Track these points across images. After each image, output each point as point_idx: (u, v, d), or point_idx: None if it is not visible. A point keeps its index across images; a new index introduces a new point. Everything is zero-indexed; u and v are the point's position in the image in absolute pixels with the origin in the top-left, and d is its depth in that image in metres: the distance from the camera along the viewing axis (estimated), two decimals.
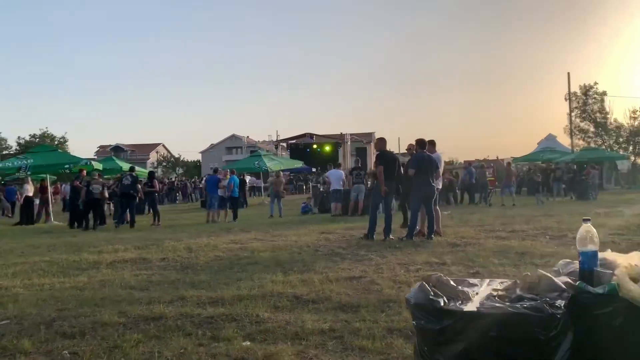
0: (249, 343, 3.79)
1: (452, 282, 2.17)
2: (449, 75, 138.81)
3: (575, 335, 2.01)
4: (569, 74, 39.24)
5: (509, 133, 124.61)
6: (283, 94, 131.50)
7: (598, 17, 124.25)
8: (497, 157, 45.27)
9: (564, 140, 41.65)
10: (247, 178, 28.71)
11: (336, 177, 15.76)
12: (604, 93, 39.44)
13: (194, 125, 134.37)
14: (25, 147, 62.51)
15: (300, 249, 8.08)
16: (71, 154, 26.39)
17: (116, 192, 15.55)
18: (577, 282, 2.16)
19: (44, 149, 18.89)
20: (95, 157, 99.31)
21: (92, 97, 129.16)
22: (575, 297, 2.07)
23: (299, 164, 34.47)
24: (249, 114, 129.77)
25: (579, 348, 2.02)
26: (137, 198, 14.83)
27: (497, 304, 1.94)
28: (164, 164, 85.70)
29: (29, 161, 16.82)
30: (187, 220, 16.76)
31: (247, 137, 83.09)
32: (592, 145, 38.96)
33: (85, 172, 15.26)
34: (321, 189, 19.68)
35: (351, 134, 60.98)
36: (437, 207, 9.58)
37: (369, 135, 62.03)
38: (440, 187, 9.52)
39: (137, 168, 17.21)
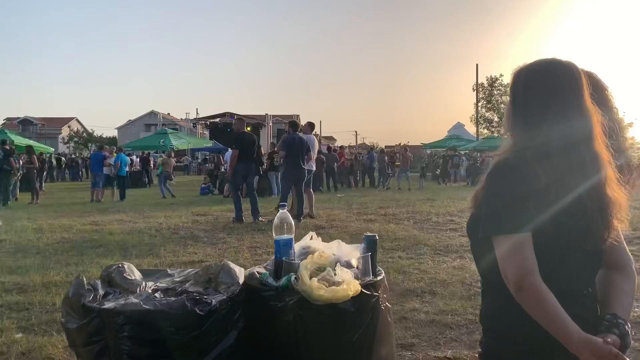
0: (21, 335, 3.50)
1: (135, 274, 1.98)
2: (371, 64, 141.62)
3: (245, 331, 1.87)
4: (477, 65, 40.90)
5: (425, 121, 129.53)
6: (207, 71, 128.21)
7: (504, 12, 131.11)
8: (406, 143, 46.48)
9: (472, 129, 43.49)
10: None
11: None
12: (508, 85, 41.15)
13: (112, 101, 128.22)
14: None
15: (159, 232, 7.76)
16: None
17: None
18: (262, 273, 2.04)
19: None
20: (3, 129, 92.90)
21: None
22: (251, 290, 1.93)
23: (208, 143, 33.57)
24: (170, 91, 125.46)
25: (249, 344, 1.89)
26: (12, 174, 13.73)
27: (135, 300, 1.76)
28: (76, 139, 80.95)
29: None
30: (74, 199, 15.79)
31: (168, 113, 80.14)
32: (496, 134, 40.89)
33: None
34: (223, 170, 19.26)
35: (273, 115, 60.41)
36: (310, 190, 9.54)
37: (292, 117, 61.58)
38: (313, 169, 9.43)
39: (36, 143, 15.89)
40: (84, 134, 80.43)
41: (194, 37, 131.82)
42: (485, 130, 42.07)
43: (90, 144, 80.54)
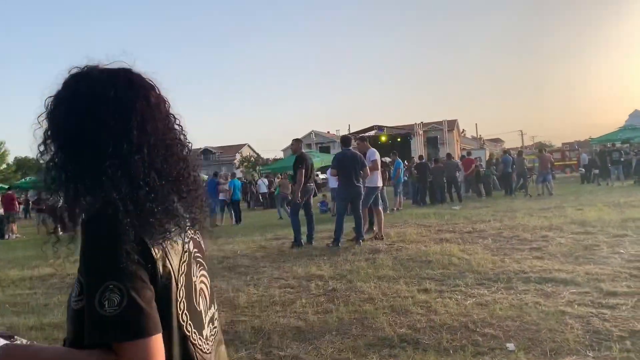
0: None
1: None
2: (535, 56, 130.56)
3: None
4: None
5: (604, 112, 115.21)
6: (359, 86, 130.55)
7: None
8: (575, 141, 41.25)
9: None
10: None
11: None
12: None
13: (279, 124, 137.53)
14: None
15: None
16: None
17: None
18: None
19: None
20: None
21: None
22: None
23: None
24: (329, 110, 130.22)
25: None
26: None
27: None
28: (245, 163, 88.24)
29: None
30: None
31: (328, 132, 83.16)
32: None
33: None
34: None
35: (425, 123, 58.87)
36: (379, 208, 8.74)
37: (440, 123, 59.38)
38: (378, 185, 8.59)
39: None
40: (252, 158, 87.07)
41: (347, 55, 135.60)
42: None
43: (258, 167, 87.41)
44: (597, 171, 22.03)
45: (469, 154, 19.74)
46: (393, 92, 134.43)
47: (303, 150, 8.88)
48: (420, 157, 17.17)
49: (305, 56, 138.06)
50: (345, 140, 8.30)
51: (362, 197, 8.15)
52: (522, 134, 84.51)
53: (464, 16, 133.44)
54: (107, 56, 1.04)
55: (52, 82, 1.01)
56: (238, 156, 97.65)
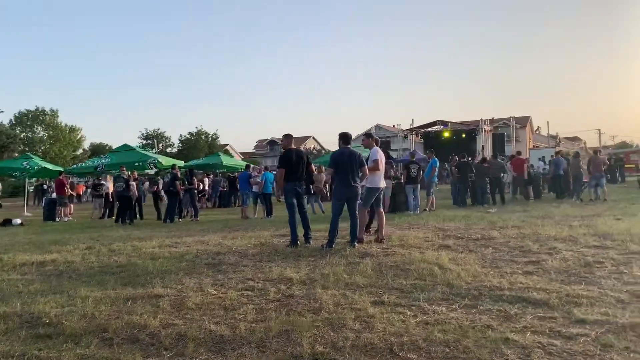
0: None
1: None
2: (595, 51, 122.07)
3: None
4: None
5: None
6: (426, 79, 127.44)
7: None
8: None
9: None
10: None
11: None
12: None
13: (344, 117, 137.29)
14: (186, 144, 70.12)
15: (197, 257, 7.59)
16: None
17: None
18: None
19: (122, 149, 20.67)
20: (254, 150, 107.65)
21: (256, 96, 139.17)
22: None
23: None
24: (394, 103, 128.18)
25: None
26: (177, 195, 15.47)
27: None
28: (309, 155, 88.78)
29: (106, 160, 18.67)
30: (230, 215, 16.97)
31: (393, 126, 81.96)
32: None
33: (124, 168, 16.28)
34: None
35: (493, 120, 56.62)
36: (381, 209, 8.35)
37: (507, 119, 56.74)
38: (380, 186, 8.17)
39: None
40: (314, 151, 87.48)
41: (406, 51, 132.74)
42: None
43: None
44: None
45: (518, 153, 18.61)
46: (465, 88, 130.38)
47: (291, 147, 8.57)
48: (462, 156, 16.33)
49: (372, 50, 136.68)
50: (344, 137, 7.94)
51: (359, 197, 7.82)
52: (599, 133, 79.06)
53: (540, 13, 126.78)
54: None
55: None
56: (302, 148, 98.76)
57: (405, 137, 57.39)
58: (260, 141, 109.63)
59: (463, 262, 6.32)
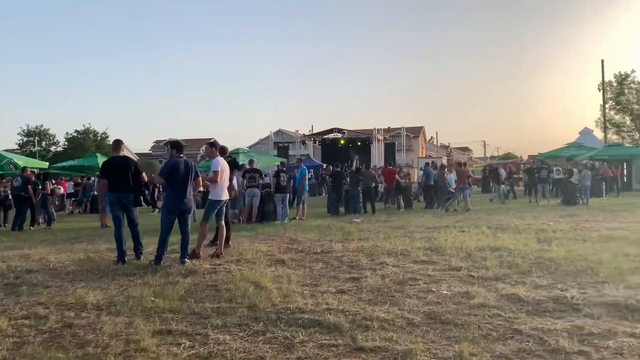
0: None
1: None
2: (485, 68, 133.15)
3: None
4: (602, 61, 35.30)
5: (559, 127, 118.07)
6: (325, 86, 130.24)
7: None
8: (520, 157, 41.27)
9: (601, 135, 37.34)
10: None
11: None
12: None
13: (248, 121, 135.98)
14: (72, 142, 65.52)
15: (2, 274, 6.76)
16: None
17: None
18: None
19: None
20: (151, 151, 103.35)
21: (152, 94, 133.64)
22: None
23: (277, 160, 32.92)
24: (298, 108, 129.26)
25: None
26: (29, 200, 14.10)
27: None
28: (207, 158, 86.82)
29: None
30: (94, 223, 15.80)
31: (296, 131, 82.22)
32: (627, 140, 34.80)
33: None
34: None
35: (386, 129, 58.66)
36: (222, 222, 7.97)
37: (398, 129, 59.18)
38: (221, 199, 7.78)
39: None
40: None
41: (316, 56, 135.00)
42: (615, 136, 35.82)
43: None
44: (508, 188, 22.13)
45: (389, 164, 19.17)
46: (364, 97, 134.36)
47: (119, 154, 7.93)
48: (336, 165, 16.48)
49: (276, 55, 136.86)
50: (176, 145, 7.47)
51: (193, 211, 7.41)
52: (484, 144, 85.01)
53: (438, 25, 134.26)
54: None
55: None
56: (201, 151, 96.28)
57: (303, 143, 57.93)
58: (158, 141, 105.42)
59: (286, 280, 6.10)
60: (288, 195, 13.59)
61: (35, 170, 19.68)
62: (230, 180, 8.97)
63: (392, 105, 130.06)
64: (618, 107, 35.45)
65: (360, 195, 16.40)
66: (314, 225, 12.34)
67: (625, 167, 29.42)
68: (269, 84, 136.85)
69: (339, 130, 53.10)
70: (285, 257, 7.58)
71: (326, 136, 52.81)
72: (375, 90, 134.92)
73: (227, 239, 8.83)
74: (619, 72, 35.22)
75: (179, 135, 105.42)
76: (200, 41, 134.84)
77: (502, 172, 22.87)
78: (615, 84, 35.31)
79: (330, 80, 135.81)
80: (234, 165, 9.17)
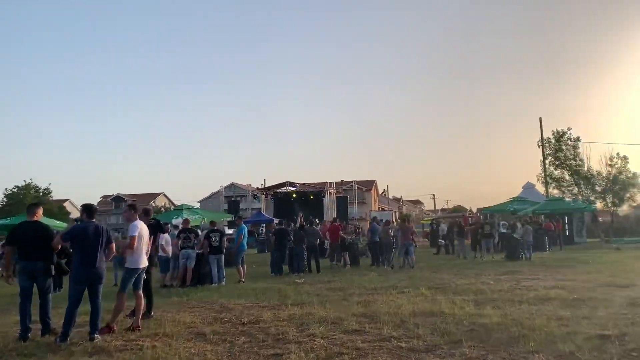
0: None
1: None
2: (434, 125, 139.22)
3: None
4: (540, 119, 37.02)
5: (505, 181, 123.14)
6: (279, 141, 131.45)
7: (574, 63, 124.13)
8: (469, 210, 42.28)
9: (543, 189, 38.69)
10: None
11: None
12: (578, 139, 36.64)
13: (197, 175, 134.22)
14: (11, 198, 62.50)
15: None
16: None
17: None
18: None
19: None
20: (98, 207, 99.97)
21: (96, 148, 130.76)
22: None
23: (227, 217, 32.37)
24: (251, 162, 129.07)
25: None
26: None
27: None
28: (158, 214, 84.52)
29: None
30: None
31: (249, 185, 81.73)
32: (567, 194, 36.18)
33: None
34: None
35: (338, 183, 58.96)
36: (140, 292, 7.36)
37: (351, 182, 59.75)
38: (138, 266, 7.24)
39: None
40: (162, 208, 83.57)
41: (267, 110, 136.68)
42: (556, 190, 37.17)
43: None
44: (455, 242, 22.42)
45: (334, 220, 18.96)
46: (315, 151, 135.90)
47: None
48: (280, 222, 16.08)
49: (228, 106, 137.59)
50: (87, 209, 6.93)
51: (103, 280, 6.79)
52: (434, 198, 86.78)
53: (388, 83, 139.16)
54: None
55: None
56: (153, 205, 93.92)
57: (255, 197, 57.36)
58: (105, 197, 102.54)
59: (200, 358, 5.57)
60: (223, 255, 12.98)
61: None
62: (154, 243, 8.45)
63: (344, 159, 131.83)
64: (557, 162, 36.97)
65: (305, 253, 15.98)
66: (252, 288, 11.80)
67: (567, 220, 30.41)
68: (222, 137, 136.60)
69: (291, 184, 53.05)
70: (207, 330, 7.02)
71: (278, 190, 52.66)
72: (328, 145, 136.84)
73: (149, 308, 8.23)
74: (557, 129, 37.04)
75: (128, 189, 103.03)
76: (151, 91, 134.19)
77: (443, 227, 23.12)
78: (553, 141, 36.98)
79: (284, 134, 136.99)
80: (157, 227, 8.64)
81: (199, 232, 13.99)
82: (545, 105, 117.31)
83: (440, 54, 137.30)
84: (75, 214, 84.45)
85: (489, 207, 38.20)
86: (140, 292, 7.39)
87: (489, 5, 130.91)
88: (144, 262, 7.38)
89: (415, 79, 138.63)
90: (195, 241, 12.88)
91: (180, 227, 13.33)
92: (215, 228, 13.40)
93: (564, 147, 36.60)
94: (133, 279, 7.25)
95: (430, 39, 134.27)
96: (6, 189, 64.20)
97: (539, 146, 36.97)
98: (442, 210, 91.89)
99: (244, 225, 14.24)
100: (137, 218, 7.49)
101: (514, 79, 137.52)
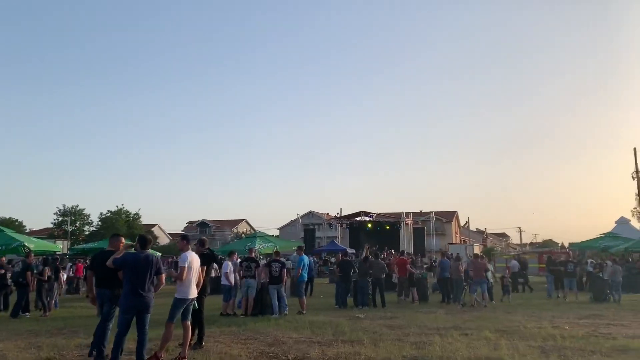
0: None
1: None
2: (521, 154, 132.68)
3: None
4: (635, 149, 34.29)
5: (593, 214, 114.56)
6: (359, 169, 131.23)
7: None
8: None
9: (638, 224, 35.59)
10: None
11: (224, 269, 13.67)
12: None
13: (279, 203, 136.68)
14: (105, 222, 66.96)
15: None
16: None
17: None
18: None
19: None
20: (184, 232, 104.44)
21: (184, 174, 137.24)
22: None
23: (296, 245, 32.29)
24: (327, 191, 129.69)
25: None
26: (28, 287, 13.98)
27: None
28: (236, 240, 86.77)
29: None
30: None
31: (327, 213, 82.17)
32: None
33: None
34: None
35: (411, 213, 57.75)
36: (188, 323, 7.42)
37: (427, 214, 58.19)
38: (189, 297, 7.31)
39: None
40: (243, 235, 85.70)
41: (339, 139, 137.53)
42: None
43: None
44: (522, 280, 21.11)
45: (402, 253, 18.40)
46: (396, 180, 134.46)
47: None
48: (345, 254, 15.85)
49: (305, 137, 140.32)
50: (140, 240, 7.13)
51: (151, 309, 6.90)
52: (520, 231, 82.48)
53: (466, 113, 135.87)
54: None
55: None
56: (234, 231, 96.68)
57: (330, 225, 57.45)
58: (191, 222, 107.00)
59: None
60: (282, 285, 12.93)
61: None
62: (208, 274, 8.56)
63: (424, 189, 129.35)
64: None
65: (370, 287, 15.60)
66: (310, 321, 11.59)
67: None
68: (304, 166, 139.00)
69: (367, 214, 52.64)
70: None
71: (354, 219, 52.37)
72: (407, 174, 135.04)
73: (200, 338, 8.28)
74: None
75: (213, 215, 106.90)
76: (231, 123, 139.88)
77: (515, 264, 21.80)
78: None
79: (363, 163, 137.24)
80: (211, 258, 8.75)
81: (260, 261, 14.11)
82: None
83: (531, 78, 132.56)
84: (163, 239, 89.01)
85: (578, 242, 35.67)
86: (188, 322, 7.46)
87: (578, 28, 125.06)
88: (193, 293, 7.46)
89: (501, 109, 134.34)
90: (252, 271, 12.98)
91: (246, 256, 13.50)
92: (278, 258, 13.42)
93: None
94: (181, 310, 7.34)
95: (514, 61, 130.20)
96: (101, 213, 68.76)
97: (633, 178, 34.21)
98: (531, 244, 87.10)
99: (304, 256, 14.17)
100: (189, 249, 7.62)
101: (606, 106, 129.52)
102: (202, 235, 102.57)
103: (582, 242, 33.58)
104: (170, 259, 36.05)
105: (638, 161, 34.38)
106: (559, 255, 26.23)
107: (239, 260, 13.68)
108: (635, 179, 33.98)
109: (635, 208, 34.56)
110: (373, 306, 15.27)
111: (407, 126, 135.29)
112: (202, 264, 8.00)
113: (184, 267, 7.25)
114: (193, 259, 7.50)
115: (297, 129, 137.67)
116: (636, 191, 34.35)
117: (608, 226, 35.30)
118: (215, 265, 11.71)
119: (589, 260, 22.63)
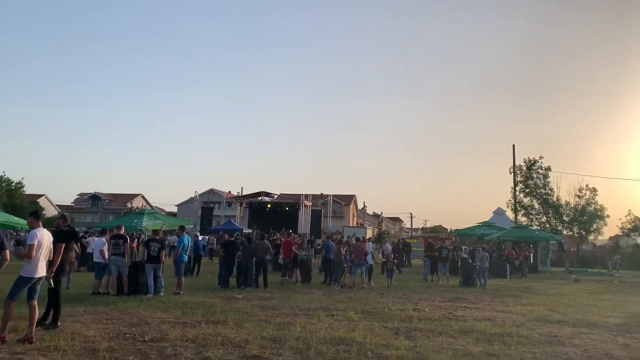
0: None
1: None
2: (416, 143, 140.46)
3: None
4: (514, 146, 37.29)
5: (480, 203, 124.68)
6: (261, 149, 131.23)
7: (547, 95, 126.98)
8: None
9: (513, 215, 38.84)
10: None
11: (97, 245, 13.15)
12: (549, 168, 36.91)
13: (177, 179, 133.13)
14: None
15: None
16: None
17: None
18: None
19: None
20: (73, 204, 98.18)
21: (77, 146, 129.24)
22: None
23: (189, 224, 31.83)
24: (231, 168, 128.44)
25: None
26: None
27: None
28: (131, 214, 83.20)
29: None
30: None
31: (229, 192, 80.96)
32: (535, 222, 36.42)
33: None
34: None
35: (311, 195, 58.67)
36: (34, 302, 7.05)
37: (327, 196, 59.48)
38: (35, 275, 6.95)
39: None
40: (138, 210, 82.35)
41: (251, 118, 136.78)
42: (524, 218, 37.32)
43: None
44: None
45: (288, 235, 18.72)
46: (300, 163, 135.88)
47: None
48: (230, 235, 15.78)
49: (215, 112, 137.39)
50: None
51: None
52: (411, 217, 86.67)
53: (371, 99, 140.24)
54: None
55: None
56: (128, 206, 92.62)
57: (230, 204, 56.89)
58: (82, 195, 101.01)
59: None
60: (161, 266, 12.65)
61: None
62: (69, 250, 8.16)
63: (325, 173, 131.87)
64: (527, 190, 37.16)
65: (254, 268, 15.68)
66: (184, 301, 11.45)
67: (532, 248, 30.46)
68: (207, 142, 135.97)
69: (267, 194, 52.61)
70: (103, 346, 6.69)
71: (254, 199, 52.16)
72: (310, 157, 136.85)
73: (55, 318, 7.91)
74: (528, 157, 37.30)
75: (106, 188, 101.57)
76: (137, 91, 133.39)
77: (387, 247, 23.03)
78: (524, 168, 37.23)
79: (269, 143, 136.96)
80: (72, 235, 8.33)
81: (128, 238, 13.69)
82: (520, 132, 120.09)
83: (429, 75, 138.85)
84: (50, 210, 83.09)
85: (459, 229, 38.28)
86: (34, 302, 7.06)
87: (473, 30, 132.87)
88: (41, 272, 7.05)
89: (402, 98, 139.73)
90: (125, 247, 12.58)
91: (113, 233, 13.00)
92: (156, 237, 13.07)
93: (534, 175, 36.82)
94: (24, 288, 6.93)
95: (421, 59, 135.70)
96: None
97: (510, 172, 37.22)
98: (422, 229, 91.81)
99: (185, 235, 13.93)
100: (40, 225, 7.19)
101: (490, 106, 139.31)
102: (93, 208, 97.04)
103: (462, 229, 36.12)
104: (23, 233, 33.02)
105: (516, 157, 37.39)
106: (442, 242, 27.95)
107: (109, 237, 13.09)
108: (512, 173, 36.93)
109: (510, 200, 37.58)
110: (256, 287, 15.39)
111: (313, 109, 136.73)
112: (61, 241, 7.65)
113: (33, 244, 6.84)
114: (44, 236, 7.09)
115: (208, 99, 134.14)
116: (512, 185, 37.32)
117: (488, 216, 38.26)
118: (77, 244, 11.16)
119: (464, 247, 24.33)
